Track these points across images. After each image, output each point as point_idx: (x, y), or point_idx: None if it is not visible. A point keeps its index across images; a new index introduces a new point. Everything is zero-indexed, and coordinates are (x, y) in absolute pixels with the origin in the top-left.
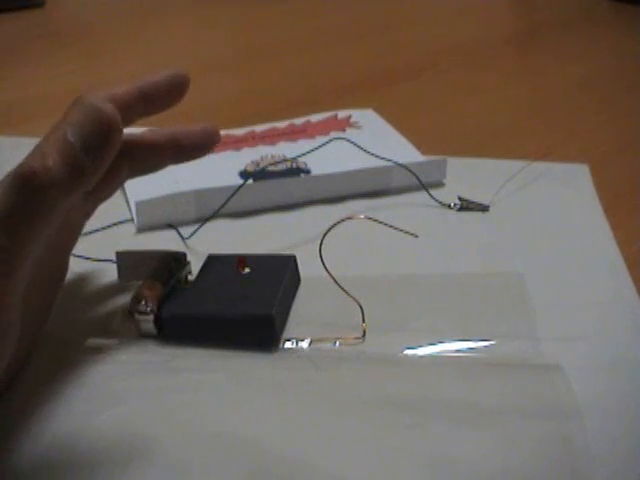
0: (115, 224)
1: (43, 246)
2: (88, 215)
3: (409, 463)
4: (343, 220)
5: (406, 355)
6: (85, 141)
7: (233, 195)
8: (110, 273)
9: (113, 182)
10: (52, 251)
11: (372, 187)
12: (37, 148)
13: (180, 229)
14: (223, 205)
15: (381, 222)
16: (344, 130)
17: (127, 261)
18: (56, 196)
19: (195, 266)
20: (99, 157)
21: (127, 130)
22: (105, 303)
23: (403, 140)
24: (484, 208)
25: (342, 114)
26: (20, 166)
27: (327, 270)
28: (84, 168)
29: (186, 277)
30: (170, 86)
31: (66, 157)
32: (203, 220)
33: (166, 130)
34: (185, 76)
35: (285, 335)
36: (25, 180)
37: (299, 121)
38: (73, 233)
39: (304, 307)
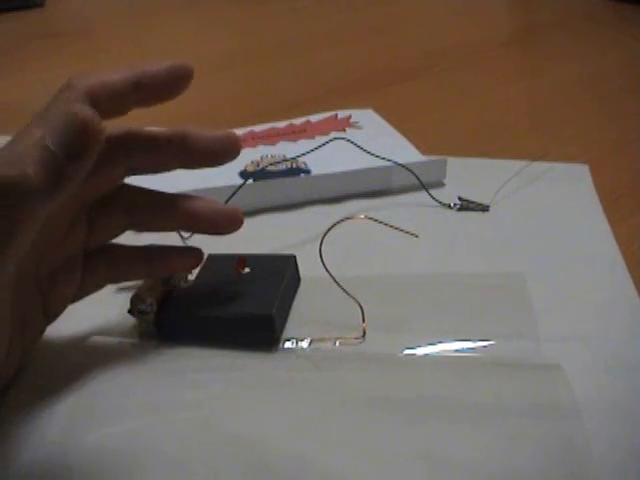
0: None
1: (27, 247)
2: (71, 214)
3: (409, 463)
4: (343, 220)
5: (406, 355)
6: (66, 148)
7: (233, 195)
8: None
9: (108, 175)
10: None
11: (372, 187)
12: (13, 153)
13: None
14: None
15: (381, 222)
16: (344, 130)
17: None
18: (36, 205)
19: None
20: (80, 163)
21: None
22: (105, 303)
23: (403, 140)
24: (484, 208)
25: (342, 114)
26: None
27: (327, 270)
28: (65, 175)
29: (186, 277)
30: (171, 77)
31: (46, 164)
32: None
33: (173, 128)
34: (188, 68)
35: (285, 335)
36: (3, 189)
37: (299, 121)
38: (55, 231)
39: (304, 307)
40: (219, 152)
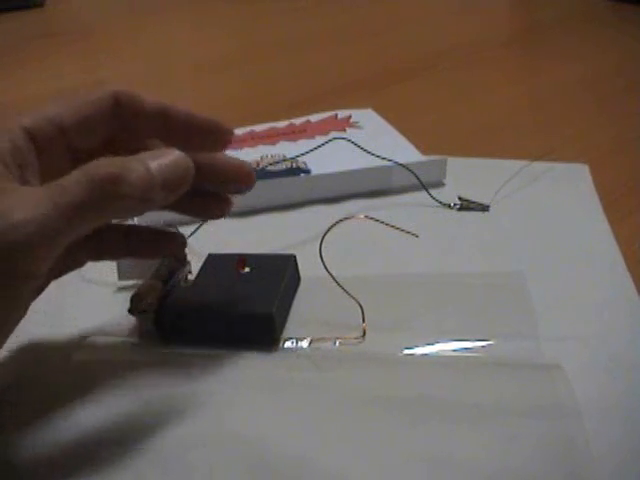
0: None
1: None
2: None
3: (409, 462)
4: (343, 220)
5: (406, 355)
6: (165, 181)
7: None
8: (110, 273)
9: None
10: None
11: (372, 187)
12: (118, 160)
13: (180, 229)
14: None
15: (381, 222)
16: (344, 130)
17: (127, 261)
18: (121, 207)
19: (195, 266)
20: (168, 197)
21: None
22: (105, 303)
23: (403, 140)
24: (484, 208)
25: (342, 114)
26: (98, 166)
27: (327, 270)
28: (155, 199)
29: (186, 277)
30: (204, 129)
31: (144, 183)
32: (203, 220)
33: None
34: (227, 128)
35: (285, 335)
36: (107, 180)
37: (299, 121)
38: None
39: (304, 307)
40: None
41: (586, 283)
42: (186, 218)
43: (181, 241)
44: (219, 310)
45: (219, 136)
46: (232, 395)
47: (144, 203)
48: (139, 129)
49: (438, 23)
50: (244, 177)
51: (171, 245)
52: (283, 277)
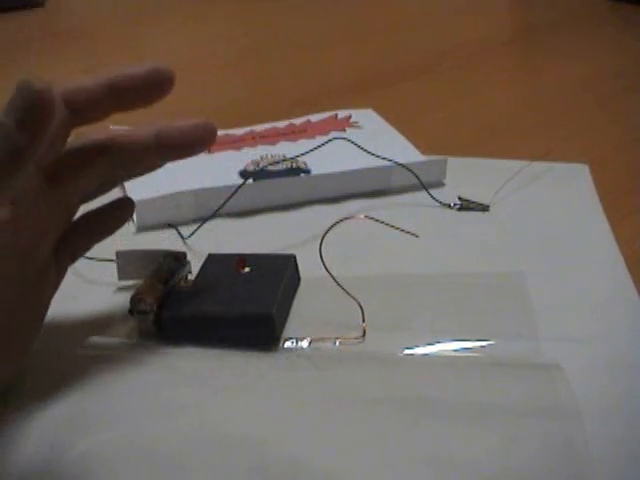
0: None
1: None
2: (57, 218)
3: (409, 462)
4: (343, 220)
5: (406, 355)
6: (17, 118)
7: (233, 195)
8: (110, 273)
9: (85, 182)
10: (16, 256)
11: (372, 187)
12: None
13: (180, 229)
14: (223, 205)
15: (381, 222)
16: (344, 130)
17: (127, 261)
18: None
19: (195, 266)
20: (32, 133)
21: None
22: (105, 303)
23: (403, 140)
24: (484, 208)
25: (342, 114)
26: None
27: (327, 270)
28: (18, 146)
29: (186, 277)
30: (149, 81)
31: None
32: (203, 220)
33: (151, 128)
34: (169, 71)
35: (285, 335)
36: None
37: (299, 121)
38: (41, 236)
39: (304, 307)
40: (195, 141)
41: (586, 283)
42: (186, 218)
43: (127, 202)
44: (219, 310)
45: (161, 79)
46: (232, 395)
47: (14, 159)
48: (93, 116)
49: (438, 23)
50: (206, 133)
51: (119, 212)
52: (283, 277)
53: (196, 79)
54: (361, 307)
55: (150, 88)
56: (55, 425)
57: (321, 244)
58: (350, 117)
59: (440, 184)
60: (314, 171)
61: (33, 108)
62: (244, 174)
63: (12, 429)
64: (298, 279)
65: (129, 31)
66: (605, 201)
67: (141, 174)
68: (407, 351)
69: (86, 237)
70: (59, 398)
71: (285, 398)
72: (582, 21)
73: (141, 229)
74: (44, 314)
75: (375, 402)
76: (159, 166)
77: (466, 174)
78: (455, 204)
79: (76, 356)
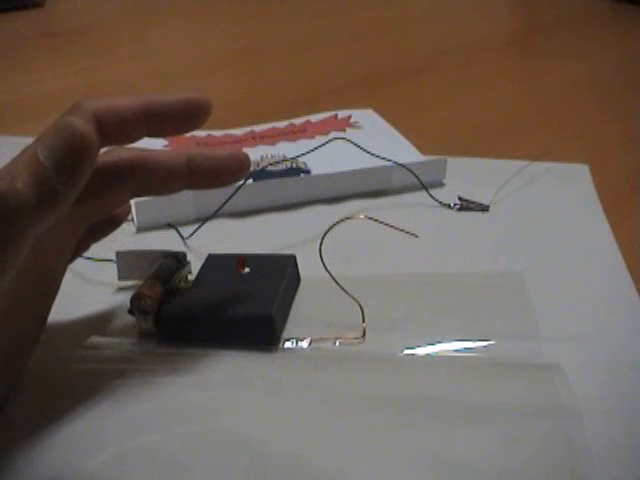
0: None
1: (15, 269)
2: (78, 234)
3: (409, 463)
4: (343, 220)
5: (406, 355)
6: (57, 162)
7: (233, 195)
8: (110, 273)
9: (111, 201)
10: (35, 272)
11: (372, 187)
12: (5, 169)
13: (180, 229)
14: (223, 205)
15: (381, 222)
16: (344, 130)
17: (127, 261)
18: (25, 222)
19: (195, 266)
20: (72, 179)
21: (141, 144)
22: (105, 303)
23: (403, 140)
24: (484, 208)
25: (342, 114)
26: None
27: (327, 270)
28: (56, 191)
29: (186, 277)
30: (187, 112)
31: (37, 179)
32: (203, 220)
33: (183, 152)
34: (207, 103)
35: (285, 335)
36: None
37: (299, 121)
38: (61, 252)
39: (304, 307)
40: (225, 173)
41: (586, 283)
42: (186, 218)
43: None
44: (219, 310)
45: (199, 111)
46: (232, 395)
47: (49, 204)
48: (121, 140)
49: (438, 23)
50: (240, 164)
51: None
52: (283, 277)
53: (196, 79)
54: (361, 307)
55: (186, 118)
56: (55, 424)
57: (321, 244)
58: (350, 117)
59: (440, 184)
60: (314, 171)
61: (75, 153)
62: None
63: (12, 428)
64: (298, 279)
65: (129, 31)
66: (605, 201)
67: (166, 194)
68: (407, 351)
69: (85, 237)
70: (59, 398)
71: (285, 398)
72: (582, 21)
73: (141, 229)
74: (44, 324)
75: (375, 402)
76: (175, 192)
77: (466, 174)
78: (455, 204)
79: (76, 356)
